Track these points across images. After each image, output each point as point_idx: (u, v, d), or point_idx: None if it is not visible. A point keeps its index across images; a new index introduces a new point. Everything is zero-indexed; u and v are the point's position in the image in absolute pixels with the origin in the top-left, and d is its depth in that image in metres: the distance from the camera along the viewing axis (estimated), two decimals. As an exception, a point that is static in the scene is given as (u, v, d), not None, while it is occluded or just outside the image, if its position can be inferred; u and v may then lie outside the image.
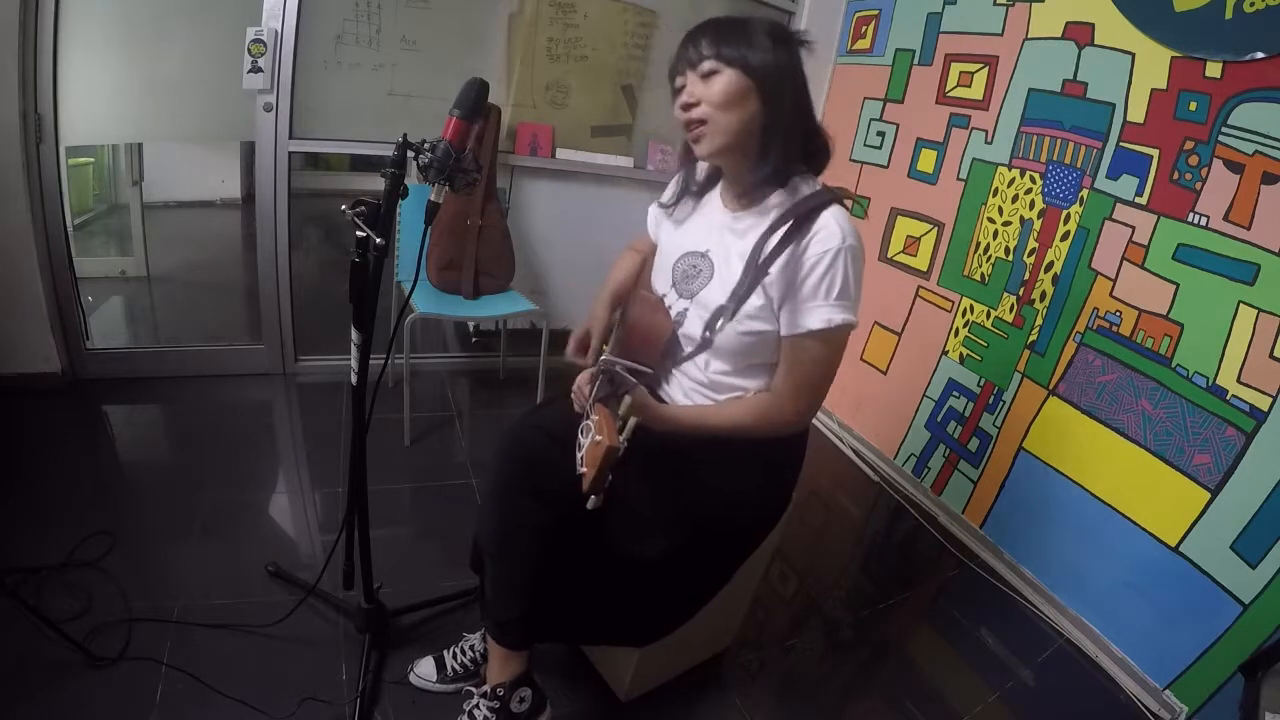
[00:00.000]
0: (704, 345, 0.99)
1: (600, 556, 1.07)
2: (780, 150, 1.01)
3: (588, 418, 0.88)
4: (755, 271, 0.98)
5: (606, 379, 0.96)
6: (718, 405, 1.11)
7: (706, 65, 0.98)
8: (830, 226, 0.98)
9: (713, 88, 0.98)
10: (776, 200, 1.05)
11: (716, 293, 1.06)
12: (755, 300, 1.01)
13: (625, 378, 0.95)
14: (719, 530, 1.13)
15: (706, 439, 1.07)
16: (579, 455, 0.86)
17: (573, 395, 1.09)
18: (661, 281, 1.18)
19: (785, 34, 1.02)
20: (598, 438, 0.83)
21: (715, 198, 1.15)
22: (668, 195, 1.23)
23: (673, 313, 1.13)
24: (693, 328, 1.08)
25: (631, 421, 0.87)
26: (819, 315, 0.99)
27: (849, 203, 1.04)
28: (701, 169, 1.20)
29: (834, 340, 1.03)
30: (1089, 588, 1.78)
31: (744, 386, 1.11)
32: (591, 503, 0.87)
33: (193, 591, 1.45)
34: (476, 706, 1.12)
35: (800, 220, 0.98)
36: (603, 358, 0.98)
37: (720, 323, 0.97)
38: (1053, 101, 1.90)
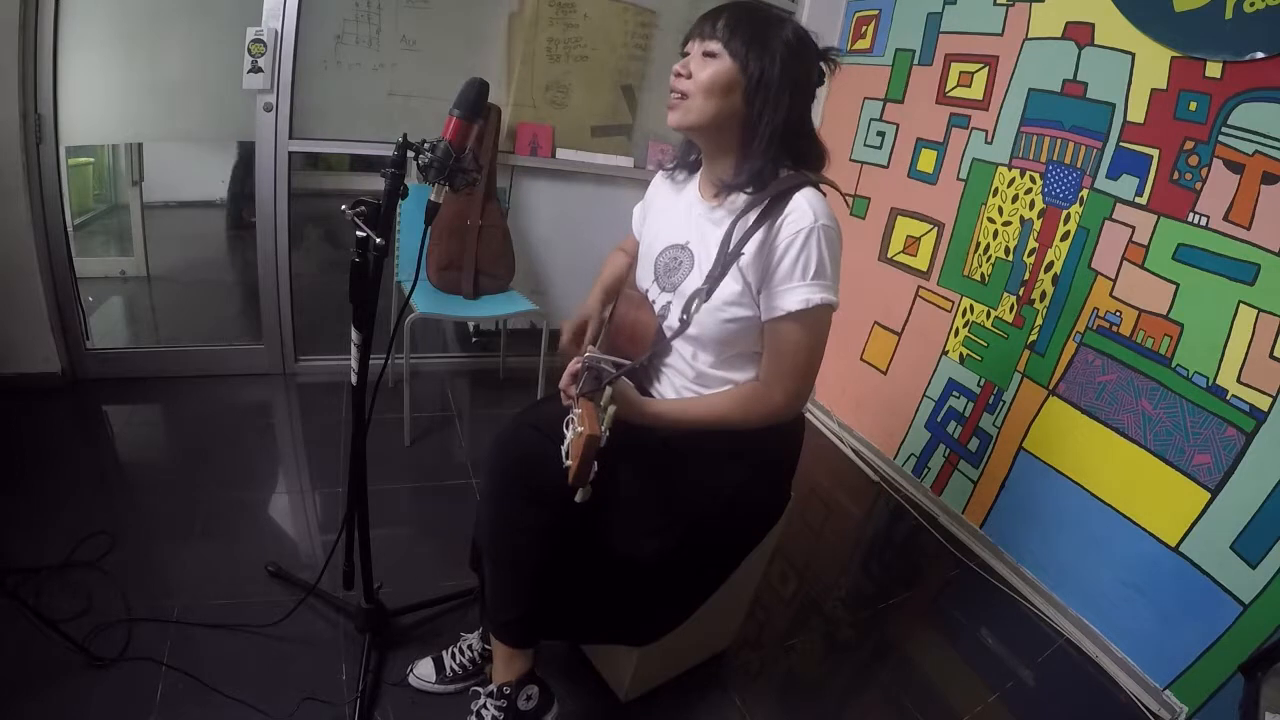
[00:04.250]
0: (683, 327, 1.00)
1: (598, 556, 1.07)
2: (760, 156, 1.01)
3: (572, 411, 0.89)
4: (728, 254, 0.98)
5: (592, 375, 0.96)
6: (701, 397, 1.11)
7: (711, 45, 0.99)
8: (802, 208, 0.98)
9: (705, 69, 0.99)
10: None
11: (696, 282, 1.06)
12: (733, 285, 1.01)
13: (609, 371, 0.95)
14: (716, 528, 1.13)
15: (701, 435, 1.07)
16: (564, 449, 0.87)
17: (561, 391, 1.09)
18: (644, 277, 1.18)
19: (805, 49, 1.01)
20: (580, 429, 0.83)
21: (694, 189, 1.15)
22: (671, 164, 1.23)
23: (656, 308, 1.13)
24: (675, 320, 1.08)
25: (611, 410, 0.88)
26: (796, 296, 0.99)
27: (826, 189, 1.03)
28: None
29: (814, 321, 1.02)
30: (1089, 588, 1.78)
31: (731, 379, 1.11)
32: (579, 495, 0.87)
33: (193, 591, 1.45)
34: (484, 706, 1.12)
35: (772, 203, 0.99)
36: (586, 354, 0.98)
37: (695, 304, 0.98)
38: (1053, 101, 1.90)
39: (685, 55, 1.03)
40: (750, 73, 0.98)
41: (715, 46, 0.99)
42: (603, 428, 0.85)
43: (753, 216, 0.99)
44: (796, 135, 1.03)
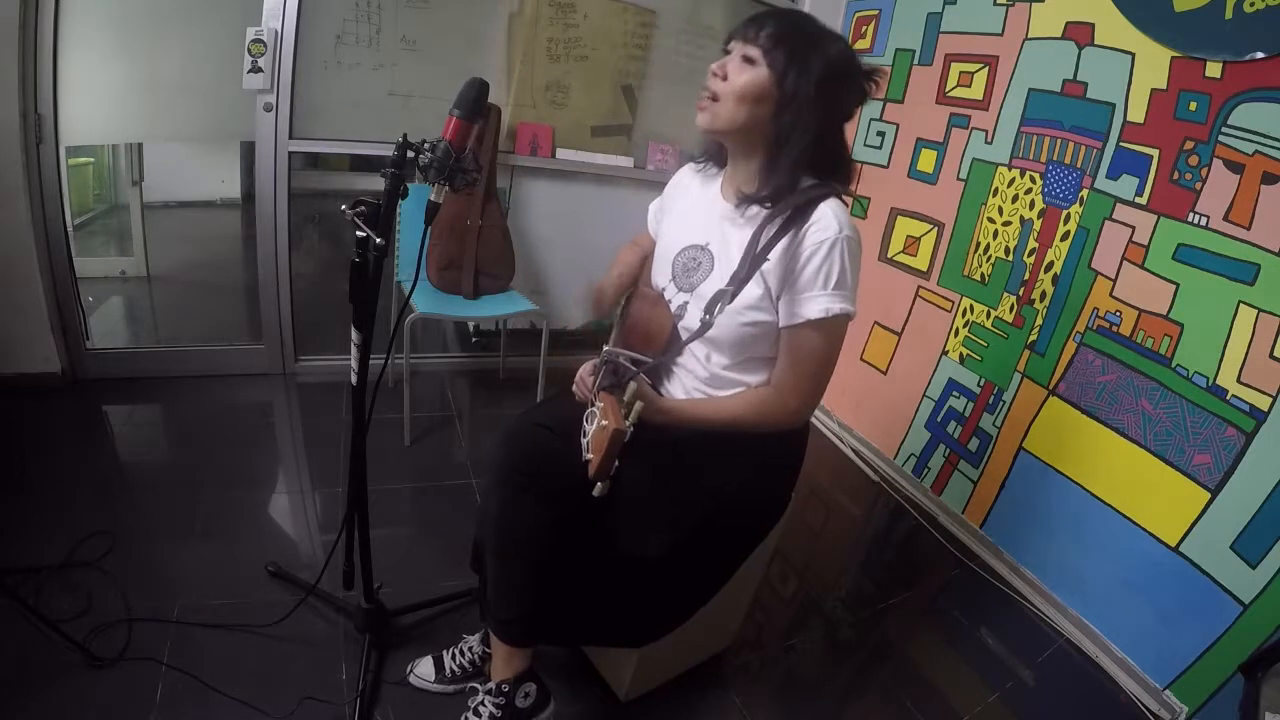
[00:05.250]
0: (704, 328, 1.00)
1: (601, 555, 1.07)
2: (784, 171, 1.00)
3: (593, 405, 0.88)
4: (754, 258, 0.99)
5: (610, 369, 0.96)
6: (718, 399, 1.11)
7: (752, 51, 0.97)
8: (827, 217, 0.99)
9: (741, 75, 0.98)
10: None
11: (716, 284, 1.06)
12: (754, 289, 1.02)
13: (628, 368, 0.95)
14: (719, 529, 1.13)
15: (706, 435, 1.08)
16: (584, 442, 0.87)
17: (575, 386, 1.09)
18: (661, 275, 1.18)
19: (846, 72, 0.98)
20: (604, 423, 0.83)
21: (716, 190, 1.15)
22: (702, 158, 1.21)
23: (673, 307, 1.13)
24: (692, 320, 1.08)
25: (637, 406, 0.87)
26: (817, 305, 1.00)
27: (848, 199, 1.04)
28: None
29: (832, 330, 1.03)
30: (1089, 588, 1.78)
31: (744, 381, 1.11)
32: (597, 489, 0.87)
33: (193, 591, 1.45)
34: (482, 703, 1.12)
35: (798, 211, 0.99)
36: (605, 348, 0.99)
37: (719, 306, 0.98)
38: (1053, 101, 1.90)
39: (727, 53, 1.01)
40: (785, 88, 0.96)
41: (755, 53, 0.97)
42: (628, 423, 0.85)
43: (778, 222, 1.00)
44: (824, 152, 1.02)
